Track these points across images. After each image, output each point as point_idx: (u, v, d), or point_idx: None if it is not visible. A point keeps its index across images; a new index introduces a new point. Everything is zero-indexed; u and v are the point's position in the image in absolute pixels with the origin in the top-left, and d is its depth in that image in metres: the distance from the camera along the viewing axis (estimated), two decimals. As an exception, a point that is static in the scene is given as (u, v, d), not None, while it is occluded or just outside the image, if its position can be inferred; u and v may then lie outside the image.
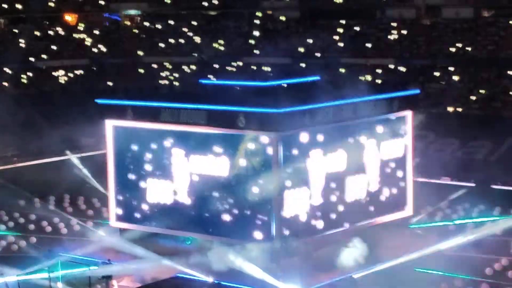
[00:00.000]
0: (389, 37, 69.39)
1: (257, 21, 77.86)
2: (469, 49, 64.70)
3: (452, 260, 37.86)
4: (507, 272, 36.50)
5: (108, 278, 35.50)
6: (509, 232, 41.36)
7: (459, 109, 59.24)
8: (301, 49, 70.61)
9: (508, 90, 60.37)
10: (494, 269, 36.93)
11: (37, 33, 77.79)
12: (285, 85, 40.58)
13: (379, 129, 40.53)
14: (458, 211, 45.52)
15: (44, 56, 74.76)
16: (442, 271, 36.17)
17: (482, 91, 60.70)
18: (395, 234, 41.03)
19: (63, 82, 73.44)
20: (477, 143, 54.25)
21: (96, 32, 79.88)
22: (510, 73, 61.60)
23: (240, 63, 72.22)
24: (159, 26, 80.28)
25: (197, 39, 76.59)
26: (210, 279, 35.70)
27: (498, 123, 53.45)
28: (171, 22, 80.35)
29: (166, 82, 72.00)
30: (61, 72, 74.09)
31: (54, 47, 76.19)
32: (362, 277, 36.04)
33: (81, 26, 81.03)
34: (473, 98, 59.94)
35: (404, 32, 68.92)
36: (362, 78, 64.42)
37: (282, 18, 77.39)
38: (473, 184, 50.19)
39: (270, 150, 36.92)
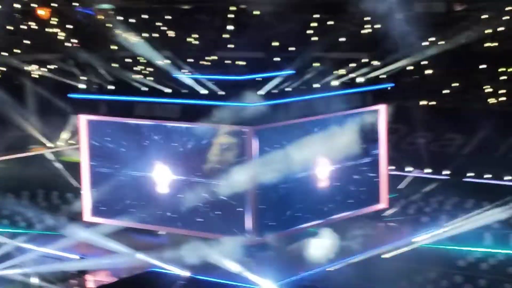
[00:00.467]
0: (362, 31, 69.63)
1: (231, 15, 77.77)
2: (442, 43, 65.04)
3: (425, 252, 38.12)
4: (480, 264, 36.79)
5: (82, 273, 35.48)
6: (482, 224, 41.68)
7: (432, 103, 59.58)
8: (275, 43, 70.67)
9: (480, 84, 60.81)
10: (467, 261, 37.20)
11: (10, 27, 77.21)
12: (260, 79, 40.66)
13: (353, 122, 40.73)
14: (431, 203, 45.82)
15: (17, 50, 74.23)
16: (416, 264, 36.41)
17: (454, 85, 61.09)
18: (369, 226, 41.31)
19: (36, 76, 72.98)
20: (450, 136, 54.59)
21: (69, 26, 79.42)
22: (482, 67, 62.04)
23: (214, 57, 72.15)
24: (132, 20, 79.95)
25: (171, 33, 76.40)
26: (184, 273, 35.72)
27: (471, 116, 53.80)
28: (145, 16, 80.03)
29: (140, 76, 71.75)
30: (34, 67, 73.64)
31: (27, 42, 75.67)
32: (336, 270, 36.21)
33: (54, 21, 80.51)
34: (446, 91, 60.28)
35: (377, 26, 69.15)
36: (336, 72, 64.55)
37: (256, 12, 77.33)
38: (446, 177, 50.57)
39: (245, 144, 37.01)
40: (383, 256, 37.68)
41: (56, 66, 73.90)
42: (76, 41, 77.19)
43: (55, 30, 78.91)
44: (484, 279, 34.73)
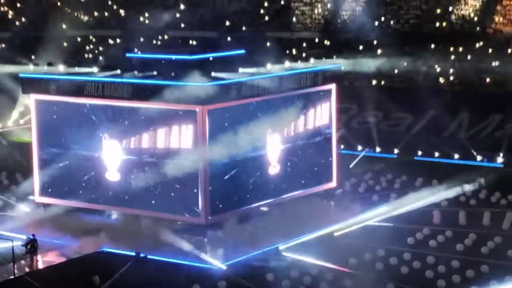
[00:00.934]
0: (314, 11, 69.85)
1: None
2: (392, 22, 65.60)
3: (375, 230, 38.56)
4: (428, 242, 37.32)
5: (32, 253, 35.29)
6: (431, 202, 42.27)
7: (382, 82, 60.05)
8: (227, 23, 70.61)
9: (430, 63, 61.43)
10: (416, 239, 37.72)
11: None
12: (211, 59, 40.67)
13: (304, 102, 40.96)
14: (381, 182, 46.29)
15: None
16: (366, 241, 36.81)
17: (404, 64, 61.64)
18: (320, 205, 41.61)
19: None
20: (400, 115, 55.13)
21: (19, 4, 78.47)
22: (431, 47, 62.68)
23: (166, 37, 71.86)
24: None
25: (122, 12, 75.88)
26: (136, 253, 35.70)
27: (420, 96, 54.40)
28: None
29: (91, 55, 71.28)
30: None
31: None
32: (287, 248, 36.48)
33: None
34: (396, 71, 60.80)
35: (329, 6, 69.46)
36: (287, 51, 64.79)
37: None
38: (395, 156, 51.10)
39: (196, 124, 37.00)
40: (332, 234, 38.03)
41: (5, 45, 73.08)
42: (25, 19, 76.34)
43: (3, 8, 77.94)
44: (432, 256, 35.26)
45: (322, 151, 41.96)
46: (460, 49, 61.75)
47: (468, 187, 43.96)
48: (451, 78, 59.00)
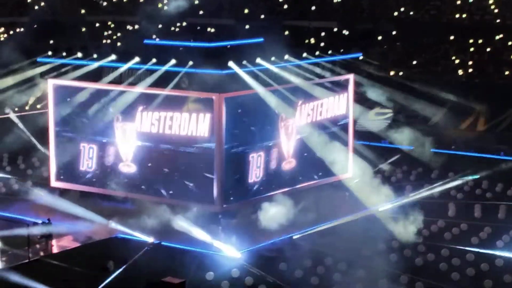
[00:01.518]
0: (333, 0, 69.54)
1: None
2: (411, 13, 65.27)
3: (390, 221, 38.43)
4: (443, 234, 37.22)
5: (47, 237, 35.44)
6: (446, 194, 42.14)
7: (401, 73, 59.81)
8: (245, 11, 70.43)
9: (448, 55, 61.16)
10: (431, 231, 37.62)
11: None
12: (229, 47, 40.61)
13: (321, 92, 40.85)
14: (396, 173, 46.13)
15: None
16: (380, 232, 36.71)
17: (423, 55, 61.38)
18: (335, 195, 41.49)
19: (2, 39, 72.16)
20: (418, 106, 54.83)
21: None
22: (450, 38, 62.34)
23: (184, 24, 71.74)
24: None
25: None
26: (150, 239, 35.80)
27: (439, 87, 54.13)
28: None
29: (109, 41, 71.30)
30: (0, 30, 72.81)
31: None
32: (301, 238, 36.47)
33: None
34: (414, 62, 60.55)
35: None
36: (305, 41, 64.59)
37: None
38: (411, 147, 50.90)
39: (213, 112, 36.98)
40: (347, 224, 37.96)
41: (23, 30, 73.17)
42: (44, 4, 76.35)
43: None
44: (447, 249, 35.14)
45: (338, 141, 41.81)
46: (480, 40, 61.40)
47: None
48: (471, 69, 58.73)
